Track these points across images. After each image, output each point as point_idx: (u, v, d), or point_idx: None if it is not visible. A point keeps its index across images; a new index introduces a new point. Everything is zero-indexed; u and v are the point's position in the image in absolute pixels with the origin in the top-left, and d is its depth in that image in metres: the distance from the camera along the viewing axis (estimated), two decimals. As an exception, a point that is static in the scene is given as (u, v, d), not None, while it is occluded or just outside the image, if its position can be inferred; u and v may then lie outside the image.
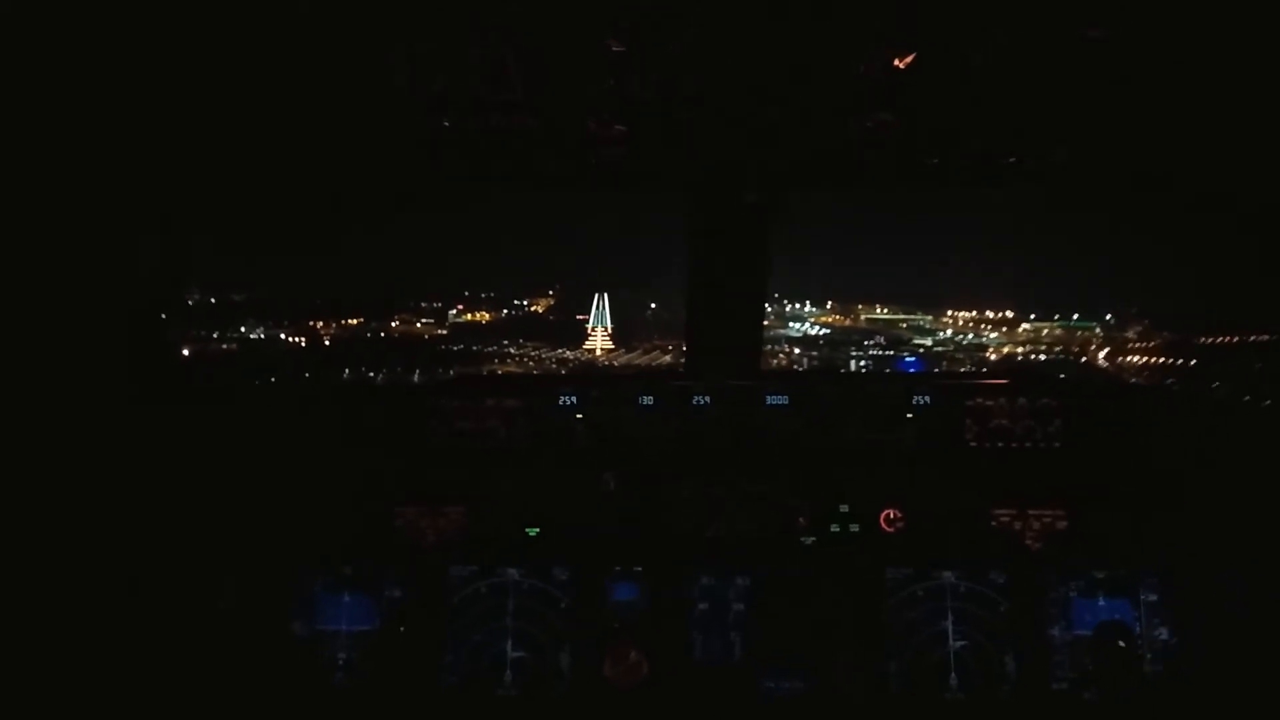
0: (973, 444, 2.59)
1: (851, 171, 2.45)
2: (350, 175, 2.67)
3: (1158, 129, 2.12)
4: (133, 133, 2.12)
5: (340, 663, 2.49)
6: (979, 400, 2.60)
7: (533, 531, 2.56)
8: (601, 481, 2.56)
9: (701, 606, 2.50)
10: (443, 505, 2.56)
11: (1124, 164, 2.40)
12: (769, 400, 2.63)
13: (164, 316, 2.76)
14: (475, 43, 1.67)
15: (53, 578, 2.21)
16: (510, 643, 2.48)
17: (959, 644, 2.45)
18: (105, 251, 2.43)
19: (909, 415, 2.60)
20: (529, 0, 1.52)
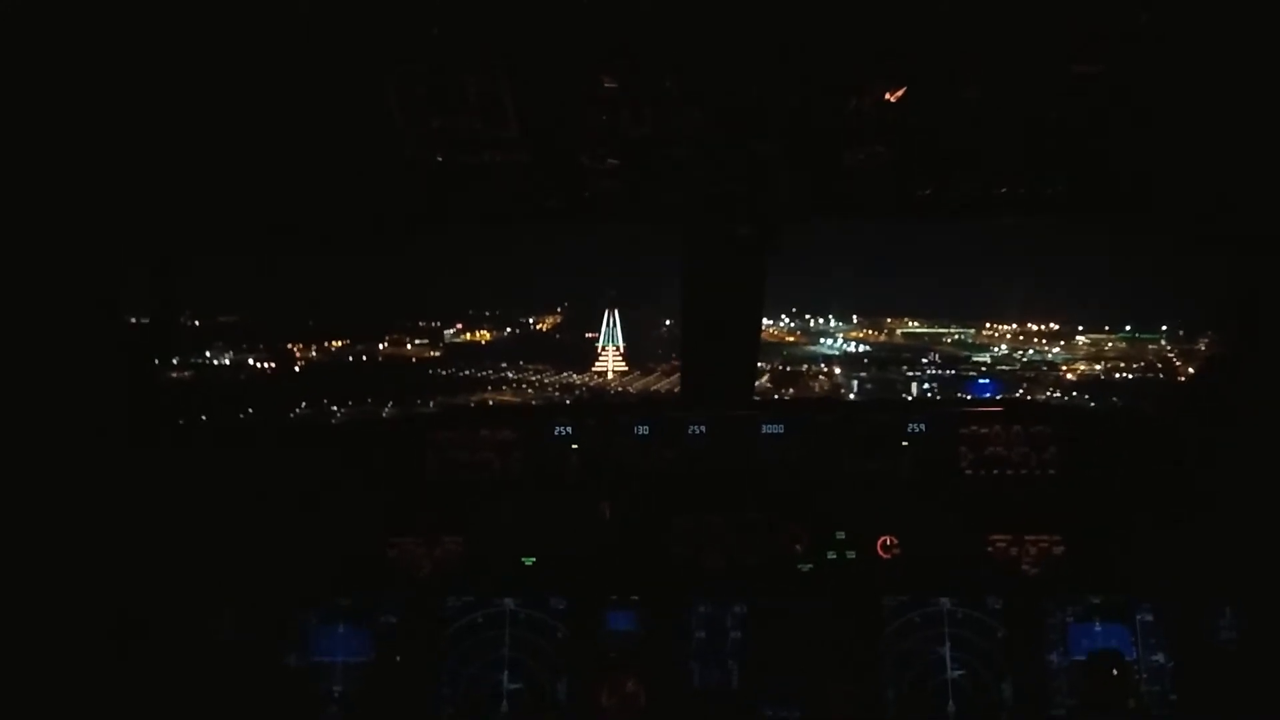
0: (968, 471, 3.03)
1: (845, 204, 2.87)
2: (343, 208, 3.06)
3: (1150, 159, 2.51)
4: (121, 161, 2.46)
5: (335, 695, 2.92)
6: (974, 428, 3.04)
7: (529, 561, 3.00)
8: (598, 511, 3.00)
9: (698, 635, 2.93)
10: (438, 535, 3.01)
11: (1118, 194, 2.78)
12: (765, 429, 3.08)
13: (157, 353, 3.23)
14: (470, 79, 1.99)
15: (50, 611, 2.63)
16: (506, 673, 2.91)
17: (956, 671, 2.85)
18: (94, 288, 2.83)
19: (905, 443, 3.05)
20: (523, 38, 1.84)
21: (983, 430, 3.04)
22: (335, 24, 1.82)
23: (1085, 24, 1.78)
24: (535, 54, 1.89)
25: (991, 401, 3.03)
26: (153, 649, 2.83)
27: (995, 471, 3.02)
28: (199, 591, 2.93)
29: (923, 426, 3.05)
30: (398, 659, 2.93)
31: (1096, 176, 2.61)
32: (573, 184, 2.62)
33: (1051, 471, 3.01)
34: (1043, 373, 41.15)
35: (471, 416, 3.22)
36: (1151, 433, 3.11)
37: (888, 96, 2.04)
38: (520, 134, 2.23)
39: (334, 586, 3.00)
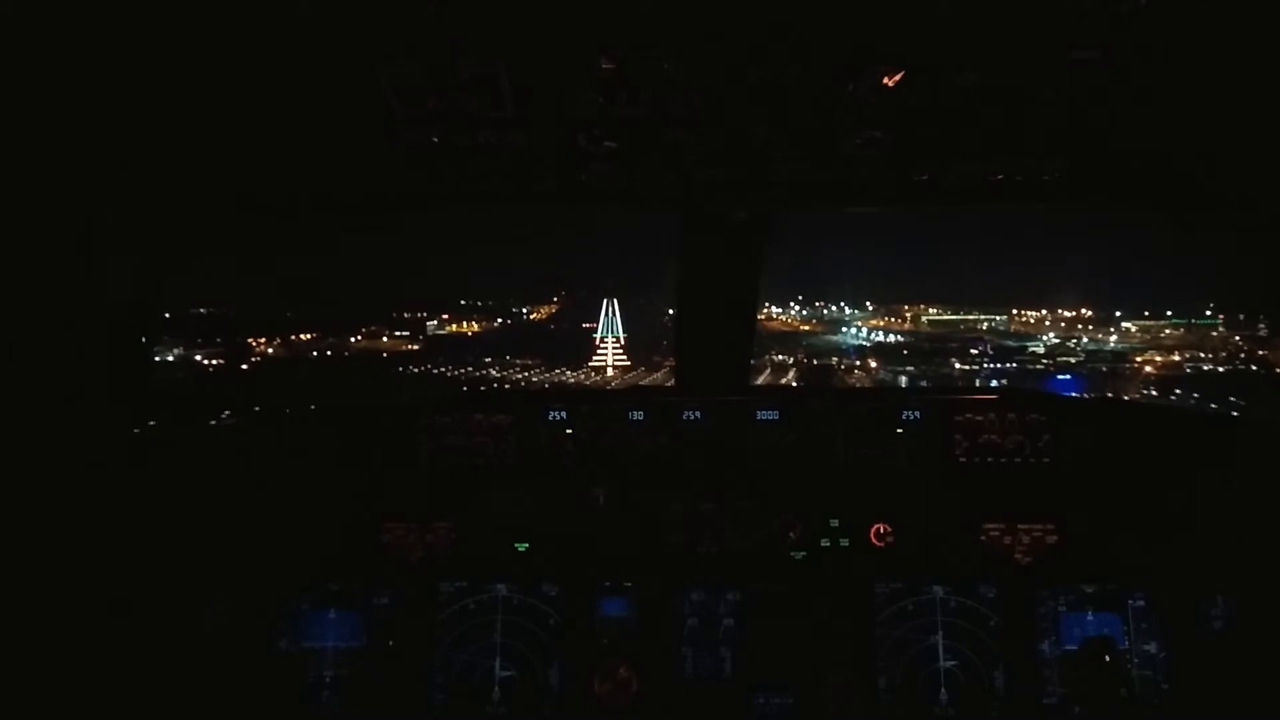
0: (962, 459, 3.52)
1: (842, 190, 3.20)
2: (335, 188, 3.44)
3: (1149, 143, 2.86)
4: (112, 140, 2.69)
5: (327, 680, 3.39)
6: (968, 416, 3.53)
7: (522, 547, 3.50)
8: (591, 497, 3.50)
9: (691, 622, 3.43)
10: (431, 521, 3.50)
11: (1117, 179, 3.16)
12: (759, 415, 3.57)
13: (143, 337, 3.67)
14: (466, 61, 2.21)
15: (39, 597, 2.99)
16: (498, 659, 3.41)
17: (949, 660, 3.35)
18: (81, 271, 3.14)
19: (899, 430, 3.54)
20: (521, 20, 2.03)
21: (976, 418, 3.52)
22: (330, 3, 2.01)
23: (1083, 9, 1.98)
24: (532, 35, 2.11)
25: (985, 389, 3.45)
26: (144, 635, 3.23)
27: (989, 459, 3.50)
28: (190, 577, 3.35)
29: (917, 414, 3.53)
30: (389, 644, 3.41)
31: (1096, 162, 2.95)
32: (569, 166, 2.97)
33: (1045, 460, 3.48)
34: (1119, 366, 40.48)
35: (466, 401, 3.65)
36: (1144, 421, 3.58)
37: (885, 81, 2.31)
38: (516, 115, 2.51)
39: (326, 571, 3.47)
